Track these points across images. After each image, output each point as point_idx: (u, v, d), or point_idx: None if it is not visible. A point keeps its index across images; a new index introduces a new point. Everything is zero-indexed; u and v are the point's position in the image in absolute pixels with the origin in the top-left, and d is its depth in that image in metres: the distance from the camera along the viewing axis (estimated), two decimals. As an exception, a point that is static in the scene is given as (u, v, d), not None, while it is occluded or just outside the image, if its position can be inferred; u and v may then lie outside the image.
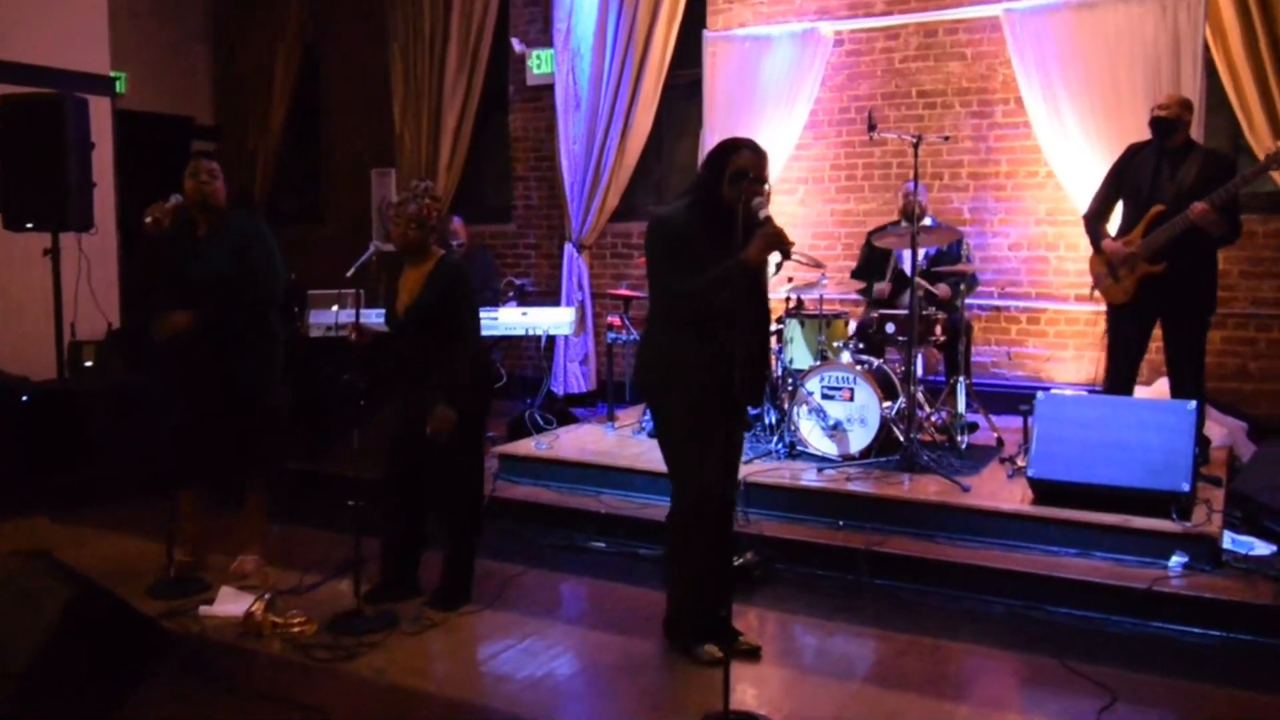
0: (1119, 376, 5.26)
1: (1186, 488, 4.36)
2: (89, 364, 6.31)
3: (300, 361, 4.39)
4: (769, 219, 3.39)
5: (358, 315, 4.23)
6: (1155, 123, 5.10)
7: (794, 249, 4.95)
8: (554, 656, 3.76)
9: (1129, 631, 4.00)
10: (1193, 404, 4.56)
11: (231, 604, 4.12)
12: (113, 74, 7.36)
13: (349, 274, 4.14)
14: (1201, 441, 5.08)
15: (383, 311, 4.40)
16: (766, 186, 3.47)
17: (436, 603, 4.19)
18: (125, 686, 3.32)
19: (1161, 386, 5.61)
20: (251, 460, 4.57)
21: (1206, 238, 4.95)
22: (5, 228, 5.91)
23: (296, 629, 3.91)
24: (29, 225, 5.86)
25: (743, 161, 3.50)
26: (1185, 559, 4.24)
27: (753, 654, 3.72)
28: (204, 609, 4.13)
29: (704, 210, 3.56)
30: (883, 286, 6.22)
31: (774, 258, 5.47)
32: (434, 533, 4.34)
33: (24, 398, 5.84)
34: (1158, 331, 5.25)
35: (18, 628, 3.28)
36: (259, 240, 4.44)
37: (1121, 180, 5.29)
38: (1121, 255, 5.14)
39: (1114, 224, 5.40)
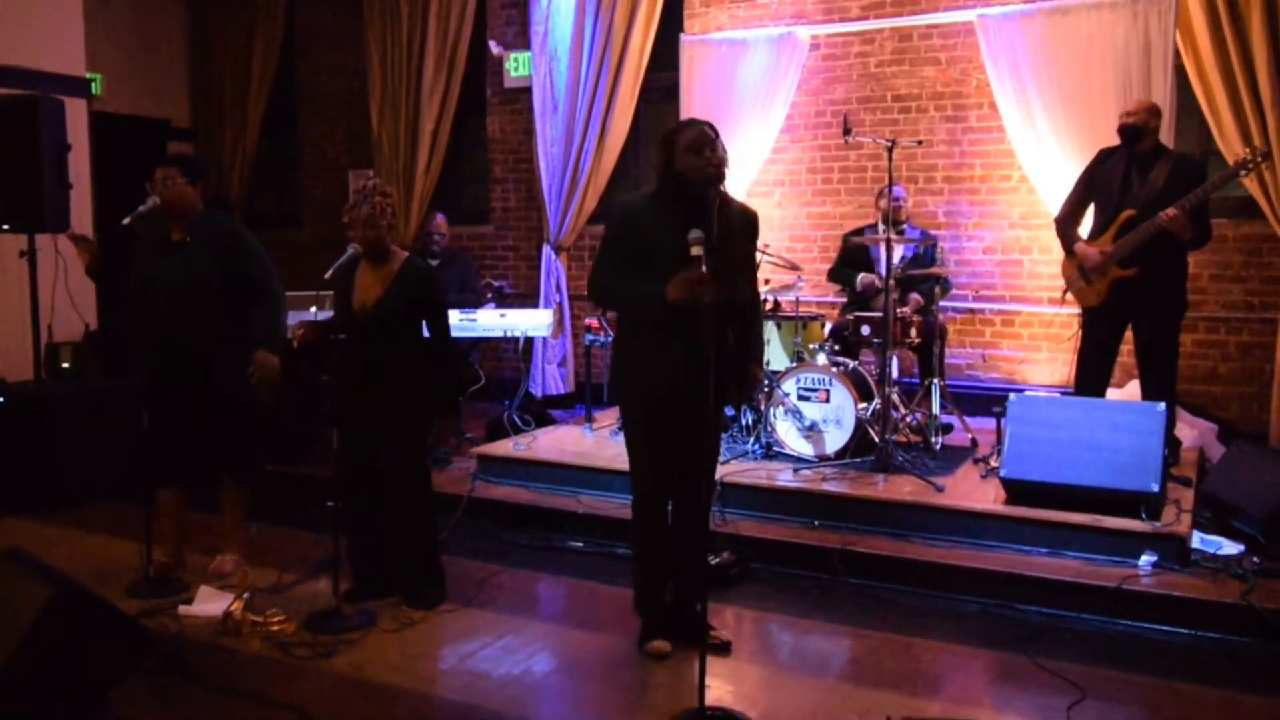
0: (1090, 379, 5.33)
1: (1156, 488, 4.43)
2: (66, 365, 6.28)
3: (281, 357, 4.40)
4: (699, 258, 3.31)
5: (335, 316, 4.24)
6: (1123, 130, 5.18)
7: (768, 250, 4.99)
8: (532, 654, 3.79)
9: (1099, 629, 4.06)
10: (1162, 406, 4.62)
11: (210, 603, 4.13)
12: (89, 75, 7.32)
13: (328, 275, 4.14)
14: (1172, 443, 5.17)
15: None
16: (697, 237, 3.37)
17: (414, 601, 4.21)
18: (105, 685, 3.34)
19: (1133, 389, 5.69)
20: (229, 460, 4.57)
21: (1177, 242, 5.03)
22: (-19, 229, 5.88)
23: (275, 627, 3.93)
24: (5, 227, 5.82)
25: (692, 133, 3.52)
26: (1154, 558, 4.31)
27: (723, 649, 3.76)
28: (183, 608, 4.14)
29: (665, 196, 3.57)
30: (870, 279, 6.25)
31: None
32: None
33: (1, 399, 5.80)
34: (1130, 334, 5.33)
35: (-4, 626, 3.29)
36: (236, 240, 4.43)
37: (1092, 184, 5.37)
38: (1093, 259, 5.21)
39: (1086, 228, 5.48)
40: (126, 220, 4.34)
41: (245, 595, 4.03)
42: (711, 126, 3.57)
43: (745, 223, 3.70)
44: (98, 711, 3.28)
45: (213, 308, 4.34)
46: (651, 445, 3.65)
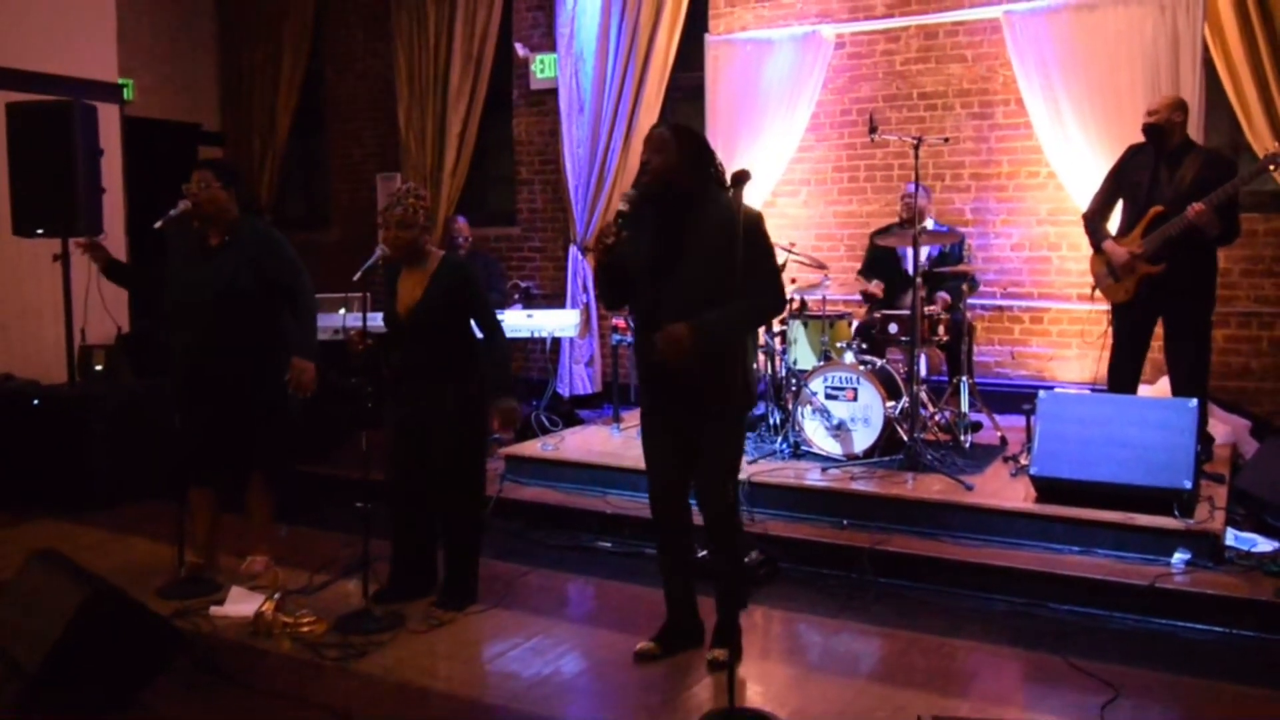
0: (1122, 375, 5.29)
1: (1189, 485, 4.39)
2: (99, 368, 6.35)
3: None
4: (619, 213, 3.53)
5: (365, 319, 4.26)
6: (1148, 129, 5.14)
7: (794, 249, 4.94)
8: (560, 655, 3.80)
9: (1132, 628, 4.03)
10: (1194, 402, 4.58)
11: (242, 604, 4.17)
12: (121, 81, 7.41)
13: (356, 277, 4.17)
14: (1204, 439, 5.11)
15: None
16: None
17: (444, 603, 4.22)
18: (138, 684, 3.38)
19: (1164, 385, 5.63)
20: (258, 462, 4.61)
21: (1206, 237, 4.98)
22: (16, 233, 5.95)
23: (306, 628, 3.96)
24: (39, 231, 5.90)
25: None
26: (1188, 556, 4.26)
27: (717, 666, 3.58)
28: (214, 609, 4.18)
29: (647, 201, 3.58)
30: (875, 286, 6.26)
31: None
32: (440, 533, 4.37)
33: (34, 401, 5.88)
34: (1161, 330, 5.28)
35: (33, 626, 3.34)
36: (270, 247, 4.46)
37: (1121, 181, 5.32)
38: (1121, 256, 5.17)
39: (1114, 224, 5.43)
40: (158, 224, 4.38)
41: (276, 596, 4.06)
42: (670, 127, 3.53)
43: (720, 223, 3.37)
44: (130, 711, 3.32)
45: (247, 313, 4.37)
46: (650, 445, 3.68)
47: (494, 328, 4.27)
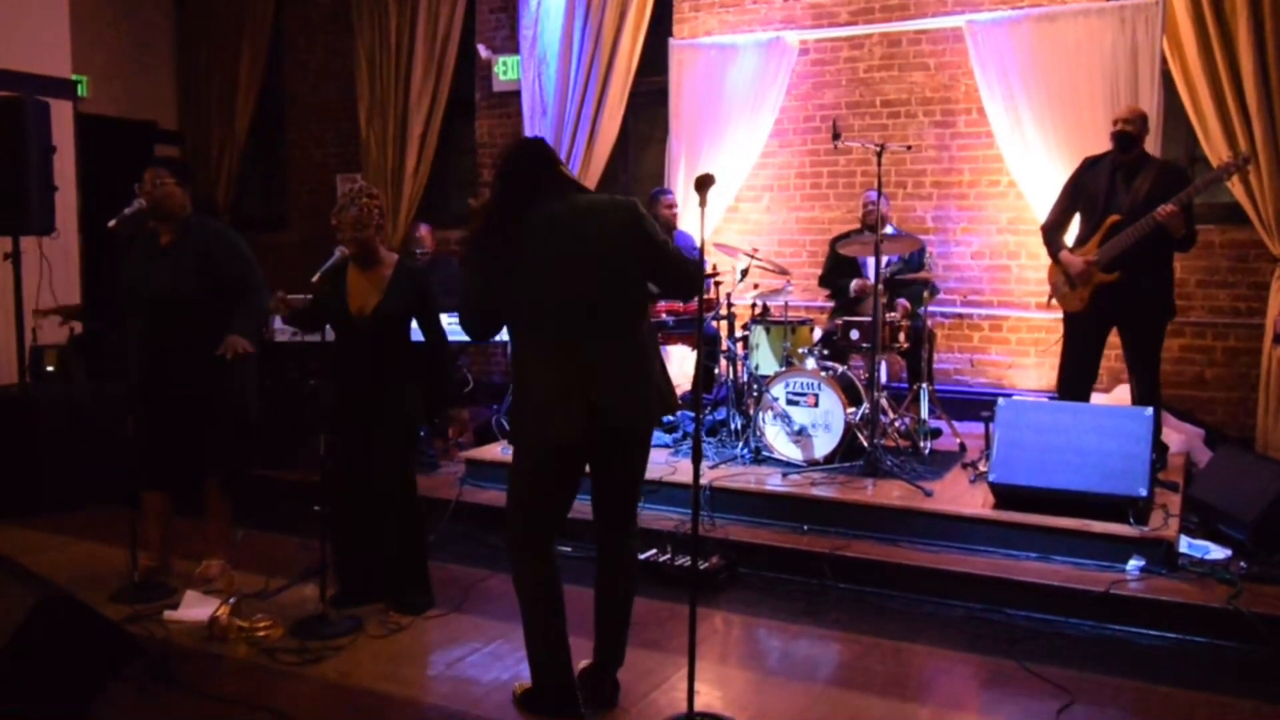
0: (1073, 384, 5.35)
1: (1144, 493, 4.45)
2: (50, 369, 6.23)
3: (266, 367, 4.36)
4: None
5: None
6: (1119, 136, 5.19)
7: (757, 255, 4.90)
8: (519, 660, 3.76)
9: (1087, 634, 4.07)
10: (1149, 410, 4.64)
11: (196, 608, 4.10)
12: (74, 77, 7.28)
13: (315, 279, 4.12)
14: (1159, 447, 5.19)
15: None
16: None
17: (401, 607, 4.18)
18: (90, 692, 3.30)
19: (1121, 393, 5.72)
20: (214, 465, 4.55)
21: (1163, 245, 5.05)
22: (-35, 231, 5.84)
23: (262, 633, 3.91)
24: (-11, 228, 5.79)
25: None
26: (1142, 563, 4.32)
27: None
28: (169, 613, 4.11)
29: None
30: (862, 282, 6.29)
31: (739, 262, 5.45)
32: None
33: (-17, 403, 5.77)
34: (1116, 340, 5.35)
35: (-21, 632, 3.26)
36: (221, 242, 4.40)
37: (1078, 192, 5.39)
38: (1078, 265, 5.23)
39: (1072, 236, 5.50)
40: (113, 223, 4.31)
41: (231, 600, 4.01)
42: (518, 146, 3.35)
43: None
44: (81, 719, 3.25)
45: (198, 312, 4.30)
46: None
47: (442, 336, 4.26)
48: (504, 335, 3.41)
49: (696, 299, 3.38)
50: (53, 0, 7.05)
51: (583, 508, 3.30)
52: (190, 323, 4.29)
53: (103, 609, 3.58)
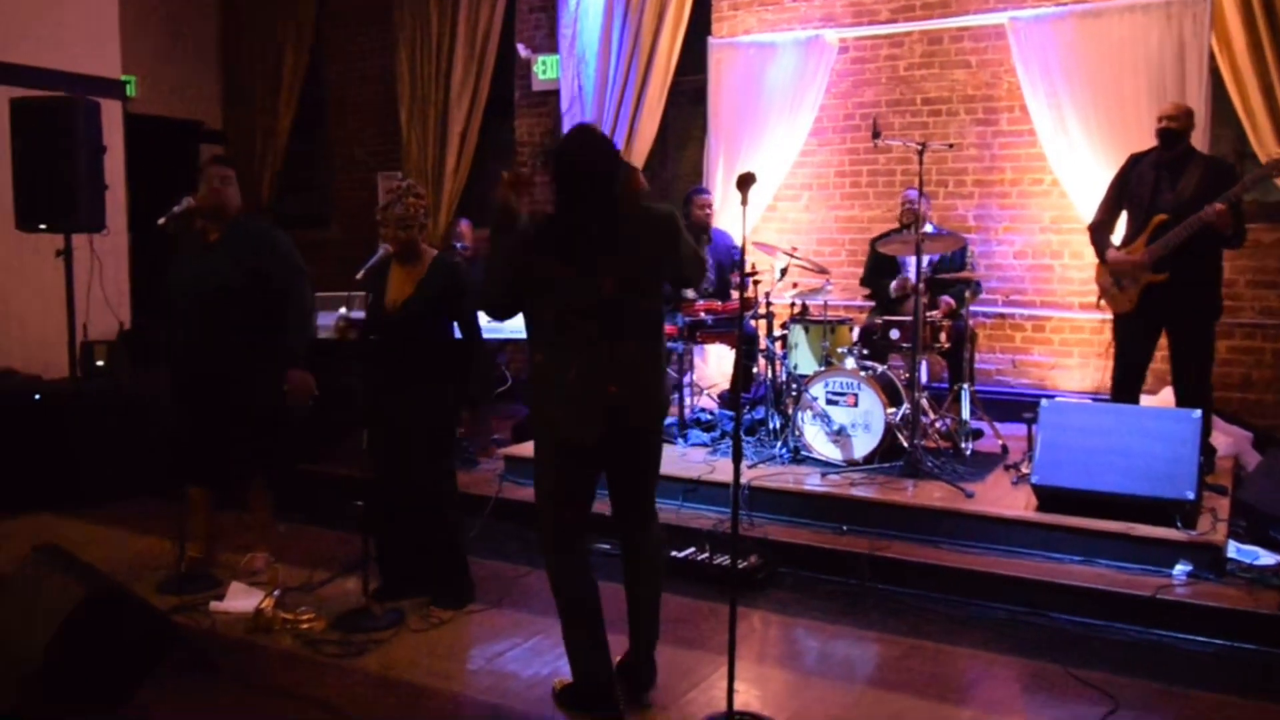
0: (1124, 385, 5.28)
1: (1191, 496, 4.38)
2: (100, 364, 6.34)
3: (308, 363, 4.41)
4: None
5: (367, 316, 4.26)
6: (1164, 134, 5.12)
7: (796, 253, 4.87)
8: (558, 656, 3.77)
9: (1132, 639, 4.01)
10: (1197, 412, 4.57)
11: (241, 600, 4.17)
12: (123, 78, 7.40)
13: (359, 276, 4.17)
14: (1207, 450, 5.11)
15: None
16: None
17: (442, 601, 4.22)
18: (136, 680, 3.36)
19: (1167, 395, 5.64)
20: (256, 461, 4.60)
21: (1212, 245, 4.97)
22: (19, 228, 5.94)
23: (305, 625, 3.96)
24: (42, 226, 5.89)
25: None
26: (1189, 567, 4.26)
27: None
28: (214, 605, 4.18)
29: None
30: (902, 280, 6.24)
31: (778, 261, 5.45)
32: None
33: (35, 396, 5.88)
34: (1164, 341, 5.28)
35: (33, 621, 3.33)
36: (268, 242, 4.45)
37: (1124, 190, 5.32)
38: (1126, 265, 5.17)
39: (1120, 235, 5.43)
40: (162, 220, 4.39)
41: (276, 593, 4.06)
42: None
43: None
44: (129, 706, 3.31)
45: (240, 310, 4.35)
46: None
47: (475, 333, 4.27)
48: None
49: (737, 298, 3.40)
50: (103, 3, 7.17)
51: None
52: (234, 318, 4.34)
53: (150, 599, 3.65)
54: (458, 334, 4.24)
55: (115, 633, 3.29)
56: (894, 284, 6.28)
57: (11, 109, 5.94)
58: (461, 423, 4.19)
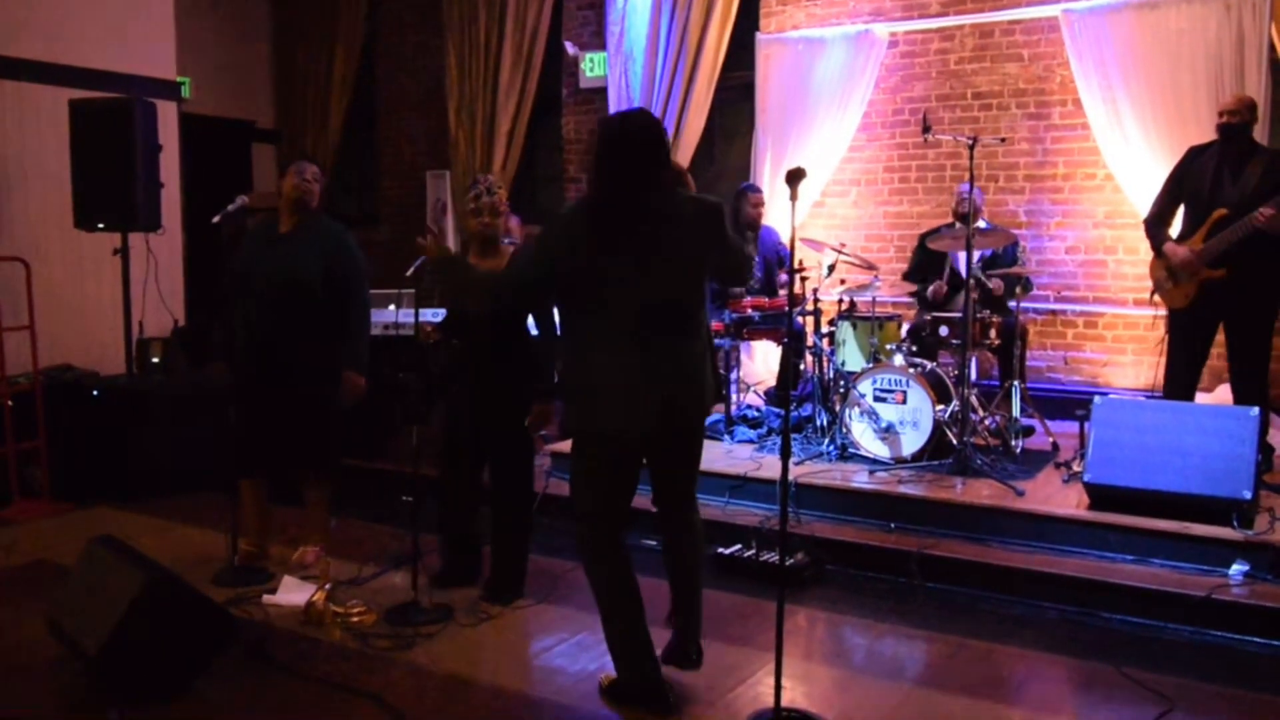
0: (1179, 383, 5.19)
1: (1248, 495, 4.30)
2: (155, 360, 6.47)
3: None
4: None
5: (416, 315, 4.30)
6: (1225, 128, 5.03)
7: (844, 249, 4.78)
8: (605, 652, 3.77)
9: (1187, 639, 3.95)
10: (1255, 410, 4.49)
11: (294, 593, 4.23)
12: (179, 79, 7.54)
13: (409, 274, 4.20)
14: (1265, 449, 5.00)
15: (439, 311, 4.45)
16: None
17: (491, 596, 4.26)
18: (194, 669, 3.43)
19: (1223, 393, 5.53)
20: (311, 456, 4.66)
21: (1271, 241, 4.87)
22: (77, 227, 6.08)
23: (356, 619, 4.01)
24: (100, 225, 6.01)
25: None
26: (1246, 567, 4.18)
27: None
28: (267, 598, 4.25)
29: None
30: (938, 286, 6.19)
31: (826, 257, 5.38)
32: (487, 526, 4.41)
33: (94, 392, 6.00)
34: (1221, 338, 5.18)
35: (94, 610, 3.41)
36: (340, 241, 4.53)
37: (1182, 184, 5.23)
38: (1182, 259, 5.08)
39: (1176, 229, 5.34)
40: (217, 219, 4.47)
41: (327, 586, 4.11)
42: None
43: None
44: (185, 695, 3.38)
45: (310, 301, 4.41)
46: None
47: (552, 331, 4.28)
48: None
49: (785, 294, 3.39)
50: (159, 5, 7.31)
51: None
52: (301, 310, 4.40)
53: (205, 591, 3.71)
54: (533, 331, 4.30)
55: (173, 623, 3.36)
56: (930, 288, 6.22)
57: (71, 110, 6.07)
58: (542, 420, 4.23)
